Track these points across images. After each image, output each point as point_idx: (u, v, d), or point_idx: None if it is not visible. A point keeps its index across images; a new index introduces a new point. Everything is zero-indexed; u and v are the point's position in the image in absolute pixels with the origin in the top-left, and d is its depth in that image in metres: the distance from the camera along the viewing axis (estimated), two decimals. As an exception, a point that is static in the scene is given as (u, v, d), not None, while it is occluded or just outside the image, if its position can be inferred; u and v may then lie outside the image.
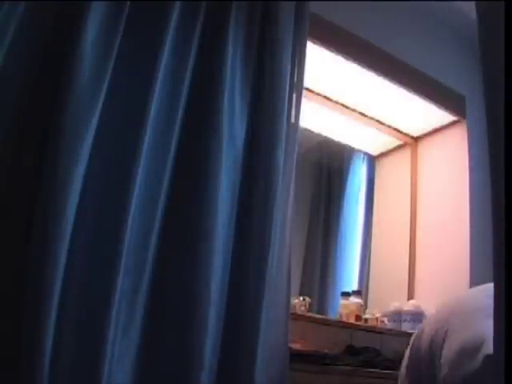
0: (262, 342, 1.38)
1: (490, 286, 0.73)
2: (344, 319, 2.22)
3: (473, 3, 0.81)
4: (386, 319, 2.31)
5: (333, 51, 2.18)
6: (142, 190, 1.32)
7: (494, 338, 0.65)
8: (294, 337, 1.66)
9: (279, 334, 1.48)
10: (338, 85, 2.41)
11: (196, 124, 1.46)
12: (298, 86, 1.72)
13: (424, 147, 2.78)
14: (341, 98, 2.51)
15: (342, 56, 2.21)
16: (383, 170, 2.94)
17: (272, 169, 1.53)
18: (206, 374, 1.27)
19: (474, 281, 2.22)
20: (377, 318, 2.28)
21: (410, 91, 2.43)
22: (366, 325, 2.23)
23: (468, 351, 1.04)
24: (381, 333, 2.17)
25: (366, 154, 3.02)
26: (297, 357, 1.58)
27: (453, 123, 2.64)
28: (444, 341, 1.14)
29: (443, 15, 2.63)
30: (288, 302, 1.57)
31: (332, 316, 2.41)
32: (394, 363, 1.70)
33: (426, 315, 2.21)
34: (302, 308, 2.15)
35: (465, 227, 2.39)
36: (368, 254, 2.82)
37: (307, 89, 2.23)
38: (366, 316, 2.29)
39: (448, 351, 1.11)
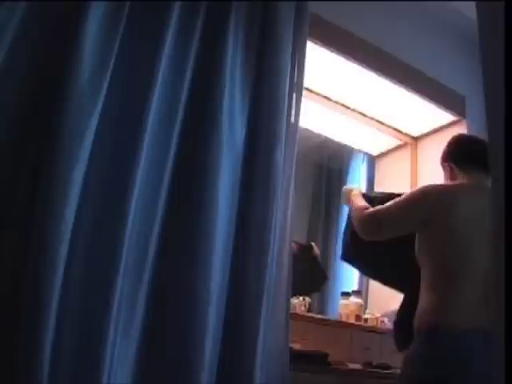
0: (262, 342, 1.38)
1: None
2: (344, 319, 2.22)
3: (473, 3, 0.81)
4: (385, 319, 2.31)
5: (333, 51, 2.18)
6: (142, 190, 1.31)
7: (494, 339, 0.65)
8: (294, 337, 1.66)
9: (279, 334, 1.48)
10: (338, 85, 2.41)
11: (196, 123, 1.46)
12: (297, 86, 1.72)
13: (424, 147, 2.78)
14: (341, 98, 2.51)
15: (342, 56, 2.21)
16: (383, 170, 2.94)
17: (272, 168, 1.53)
18: (206, 374, 1.27)
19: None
20: (377, 318, 2.28)
21: (409, 91, 2.43)
22: (366, 325, 2.23)
23: None
24: (381, 333, 2.17)
25: (366, 153, 3.02)
26: (297, 357, 1.59)
27: (453, 123, 2.65)
28: None
29: (443, 15, 2.63)
30: (288, 302, 1.57)
31: (332, 316, 2.41)
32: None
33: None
34: (302, 308, 2.15)
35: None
36: (368, 253, 2.81)
37: (307, 89, 2.23)
38: (366, 316, 2.29)
39: None
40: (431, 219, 1.52)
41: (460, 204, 1.52)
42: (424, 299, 1.49)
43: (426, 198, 1.58)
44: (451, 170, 1.70)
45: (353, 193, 1.83)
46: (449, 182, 1.69)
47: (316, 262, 2.25)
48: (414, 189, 1.63)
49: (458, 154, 1.72)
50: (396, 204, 1.61)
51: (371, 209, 1.65)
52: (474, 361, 1.33)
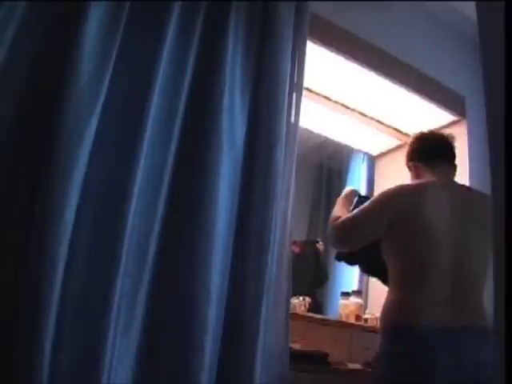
0: (262, 342, 1.38)
1: None
2: (344, 319, 2.22)
3: (473, 3, 0.82)
4: (385, 319, 2.30)
5: (333, 51, 2.18)
6: (143, 190, 1.31)
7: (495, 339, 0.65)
8: (293, 337, 1.66)
9: (279, 334, 1.48)
10: (338, 85, 2.41)
11: (196, 121, 1.46)
12: (297, 86, 1.72)
13: (424, 147, 2.77)
14: (341, 98, 2.51)
15: (342, 56, 2.21)
16: (383, 170, 2.94)
17: (272, 168, 1.53)
18: (205, 374, 1.27)
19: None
20: (377, 318, 2.28)
21: (409, 91, 2.43)
22: (366, 325, 2.23)
23: None
24: (381, 333, 2.17)
25: (366, 154, 3.02)
26: (297, 357, 1.59)
27: (453, 123, 2.64)
28: None
29: (443, 15, 2.63)
30: (288, 302, 1.57)
31: (332, 316, 2.41)
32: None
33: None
34: (302, 308, 2.15)
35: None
36: (368, 253, 2.81)
37: (307, 89, 2.23)
38: (366, 316, 2.29)
39: None
40: (395, 220, 1.51)
41: (425, 203, 1.51)
42: (388, 299, 1.51)
43: (389, 200, 1.57)
44: (416, 169, 1.68)
45: (339, 198, 1.81)
46: (414, 181, 1.67)
47: (318, 257, 2.25)
48: (380, 192, 1.62)
49: (421, 151, 1.70)
50: (361, 211, 1.59)
51: (341, 219, 1.62)
52: (440, 359, 1.33)
